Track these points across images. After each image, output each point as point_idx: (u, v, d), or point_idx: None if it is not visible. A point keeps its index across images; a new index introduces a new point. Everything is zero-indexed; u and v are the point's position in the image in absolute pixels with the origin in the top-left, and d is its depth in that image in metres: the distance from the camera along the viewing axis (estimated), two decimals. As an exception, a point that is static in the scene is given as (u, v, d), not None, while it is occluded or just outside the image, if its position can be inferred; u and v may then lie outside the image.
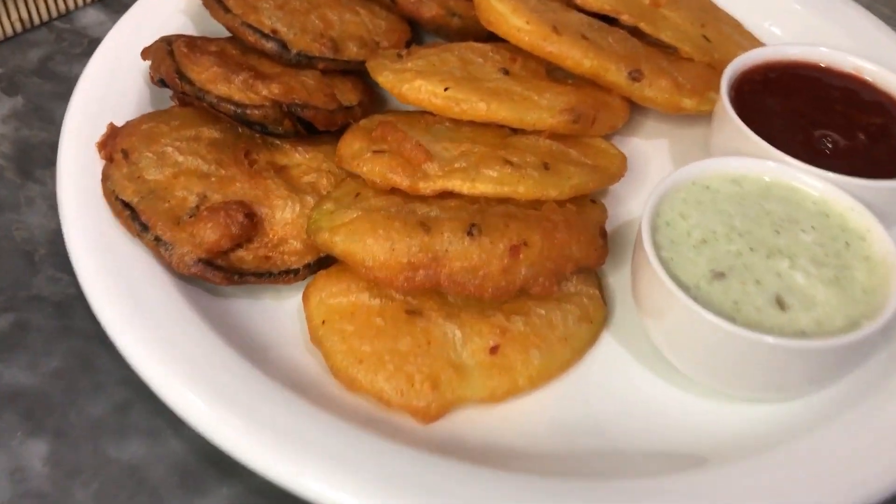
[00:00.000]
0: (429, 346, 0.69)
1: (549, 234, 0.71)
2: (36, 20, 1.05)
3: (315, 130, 0.82)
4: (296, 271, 0.75)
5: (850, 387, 0.70)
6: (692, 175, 0.75)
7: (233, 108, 0.79)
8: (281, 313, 0.75)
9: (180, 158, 0.79)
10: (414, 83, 0.80)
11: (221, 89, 0.80)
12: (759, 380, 0.68)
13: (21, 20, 1.03)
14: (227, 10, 0.86)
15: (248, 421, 0.62)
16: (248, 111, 0.79)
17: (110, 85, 0.87)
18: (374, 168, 0.75)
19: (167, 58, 0.82)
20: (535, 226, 0.71)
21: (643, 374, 0.73)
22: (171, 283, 0.72)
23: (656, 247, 0.70)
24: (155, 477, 0.67)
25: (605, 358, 0.73)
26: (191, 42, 0.85)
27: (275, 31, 0.85)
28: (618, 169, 0.82)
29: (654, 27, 0.91)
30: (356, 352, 0.69)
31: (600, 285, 0.77)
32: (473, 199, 0.74)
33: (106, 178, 0.78)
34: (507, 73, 0.85)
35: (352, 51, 0.88)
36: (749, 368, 0.67)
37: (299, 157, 0.82)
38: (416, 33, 0.97)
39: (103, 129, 0.81)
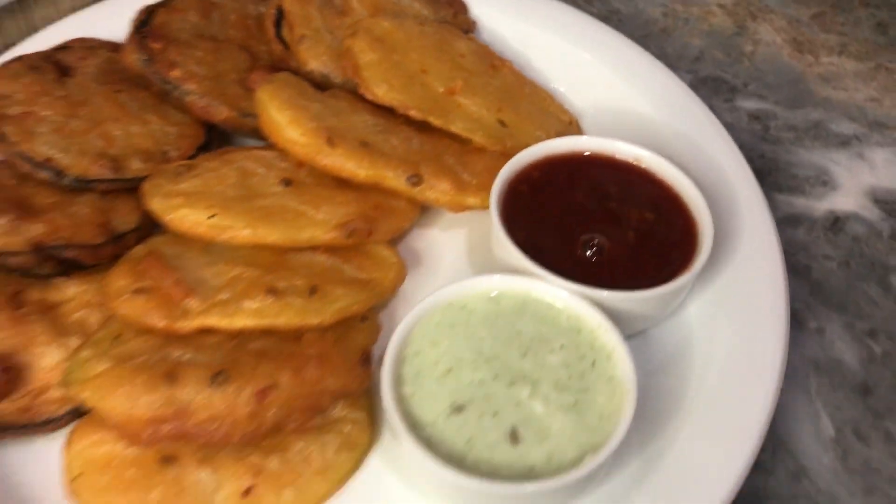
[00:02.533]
0: (181, 496, 0.70)
1: (298, 373, 0.72)
2: None
3: (83, 266, 0.81)
4: (58, 419, 0.74)
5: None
6: (450, 295, 0.76)
7: None
8: (46, 465, 0.74)
9: None
10: (179, 212, 0.79)
11: None
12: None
13: None
14: (2, 138, 0.85)
15: None
16: (8, 259, 0.78)
17: None
18: (132, 309, 0.74)
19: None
20: (286, 364, 0.72)
21: (408, 498, 0.74)
22: None
23: (400, 381, 0.72)
24: None
25: (367, 485, 0.74)
26: None
27: (49, 160, 0.84)
28: (392, 282, 0.82)
29: (444, 119, 0.91)
30: None
31: (369, 405, 0.79)
32: (233, 334, 0.75)
33: None
34: (288, 183, 0.85)
35: (134, 167, 0.87)
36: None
37: (72, 292, 0.81)
38: (217, 135, 0.96)
39: None
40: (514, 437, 0.68)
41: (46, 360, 0.77)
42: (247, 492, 0.71)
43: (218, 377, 0.70)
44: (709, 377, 0.79)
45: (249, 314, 0.74)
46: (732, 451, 0.73)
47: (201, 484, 0.71)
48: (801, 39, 1.23)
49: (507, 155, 0.90)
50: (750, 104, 1.14)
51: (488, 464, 0.66)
